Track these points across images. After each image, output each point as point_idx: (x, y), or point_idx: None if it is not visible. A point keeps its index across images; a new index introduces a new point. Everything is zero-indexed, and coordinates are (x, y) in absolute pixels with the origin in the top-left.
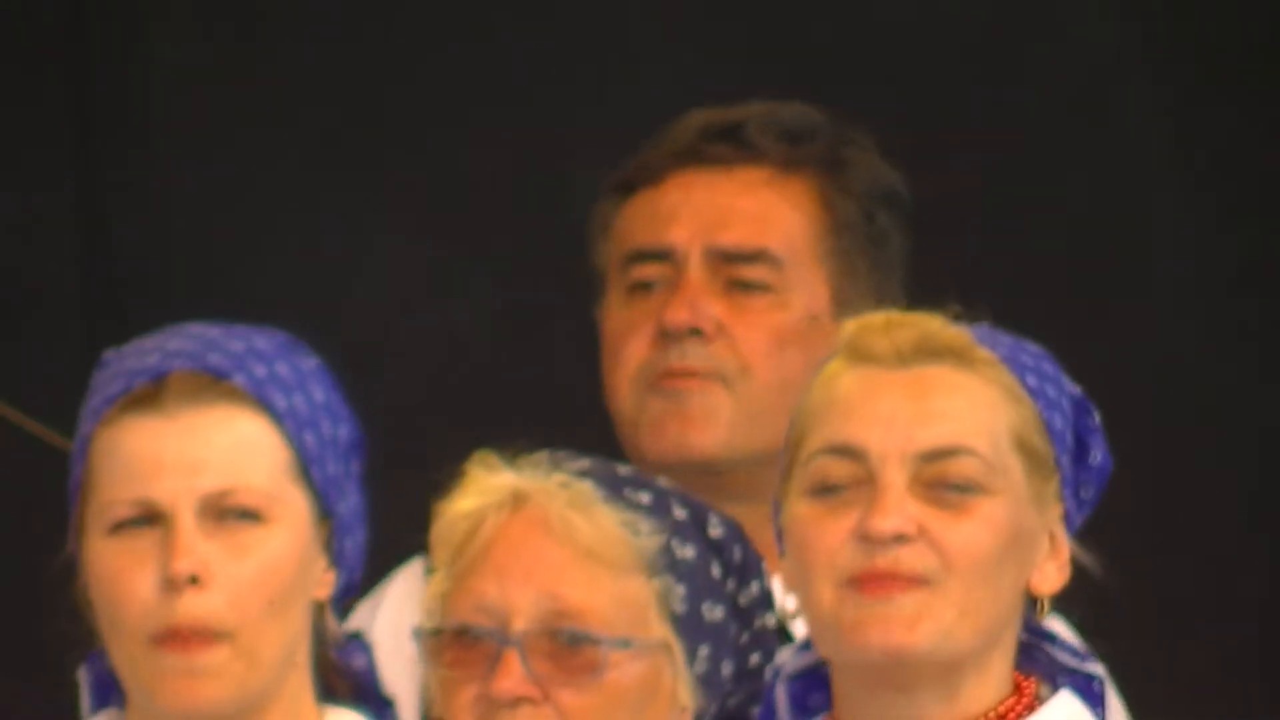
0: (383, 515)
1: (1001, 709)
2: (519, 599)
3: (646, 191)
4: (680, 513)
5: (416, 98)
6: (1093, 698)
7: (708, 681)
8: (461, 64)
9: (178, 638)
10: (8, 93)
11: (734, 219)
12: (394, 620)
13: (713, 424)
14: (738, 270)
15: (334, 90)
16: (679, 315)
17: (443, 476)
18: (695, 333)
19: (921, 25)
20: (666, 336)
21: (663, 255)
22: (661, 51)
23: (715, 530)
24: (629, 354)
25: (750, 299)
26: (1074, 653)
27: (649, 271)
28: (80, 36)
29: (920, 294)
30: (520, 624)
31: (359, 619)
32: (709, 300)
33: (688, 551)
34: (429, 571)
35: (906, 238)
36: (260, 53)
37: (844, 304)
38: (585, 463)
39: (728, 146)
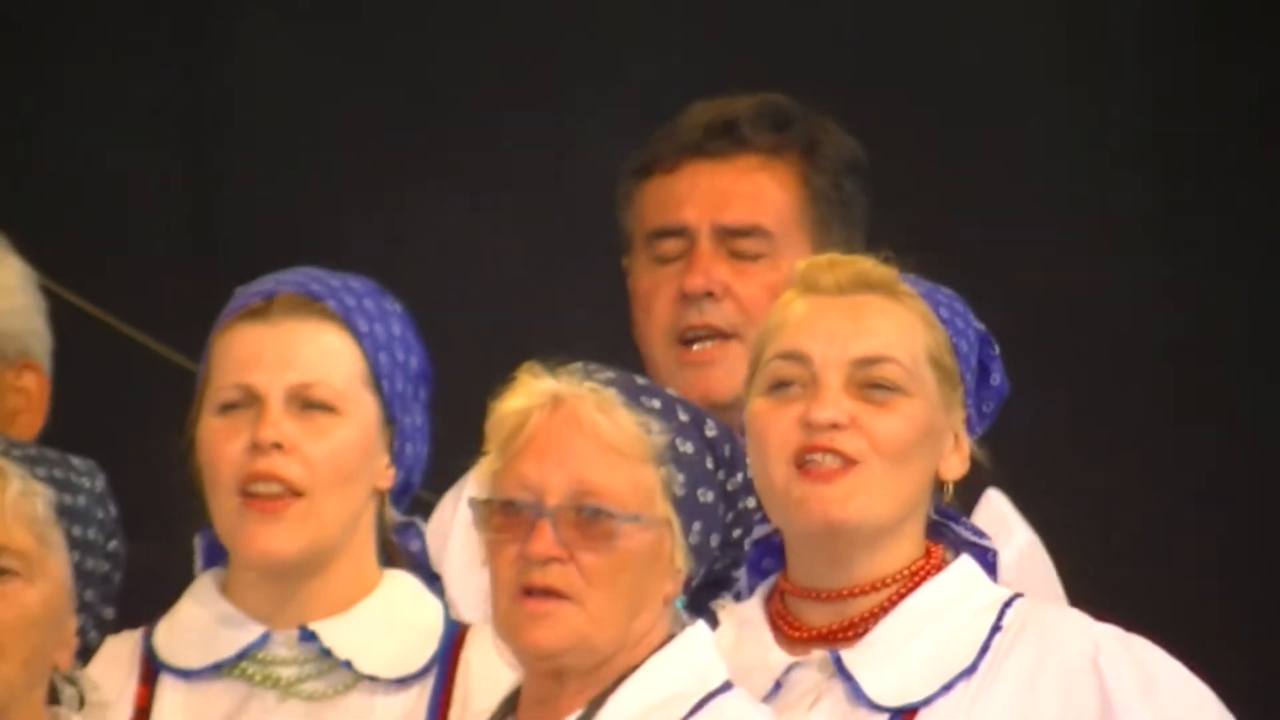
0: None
1: (914, 567)
2: (553, 480)
3: (663, 177)
4: (683, 416)
5: (466, 93)
6: (988, 567)
7: (699, 550)
8: (502, 61)
9: (260, 496)
10: (133, 82)
11: (734, 201)
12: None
13: (730, 377)
14: (738, 243)
15: (399, 85)
16: (696, 282)
17: (490, 395)
18: (709, 295)
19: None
20: (687, 299)
21: (679, 232)
22: (661, 55)
23: (710, 431)
24: (658, 312)
25: (749, 265)
26: (974, 531)
27: (668, 246)
28: (192, 35)
29: (870, 246)
30: (553, 500)
31: (445, 503)
32: (718, 268)
33: (688, 447)
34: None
35: (868, 196)
36: (336, 53)
37: None
38: (611, 374)
39: (726, 141)
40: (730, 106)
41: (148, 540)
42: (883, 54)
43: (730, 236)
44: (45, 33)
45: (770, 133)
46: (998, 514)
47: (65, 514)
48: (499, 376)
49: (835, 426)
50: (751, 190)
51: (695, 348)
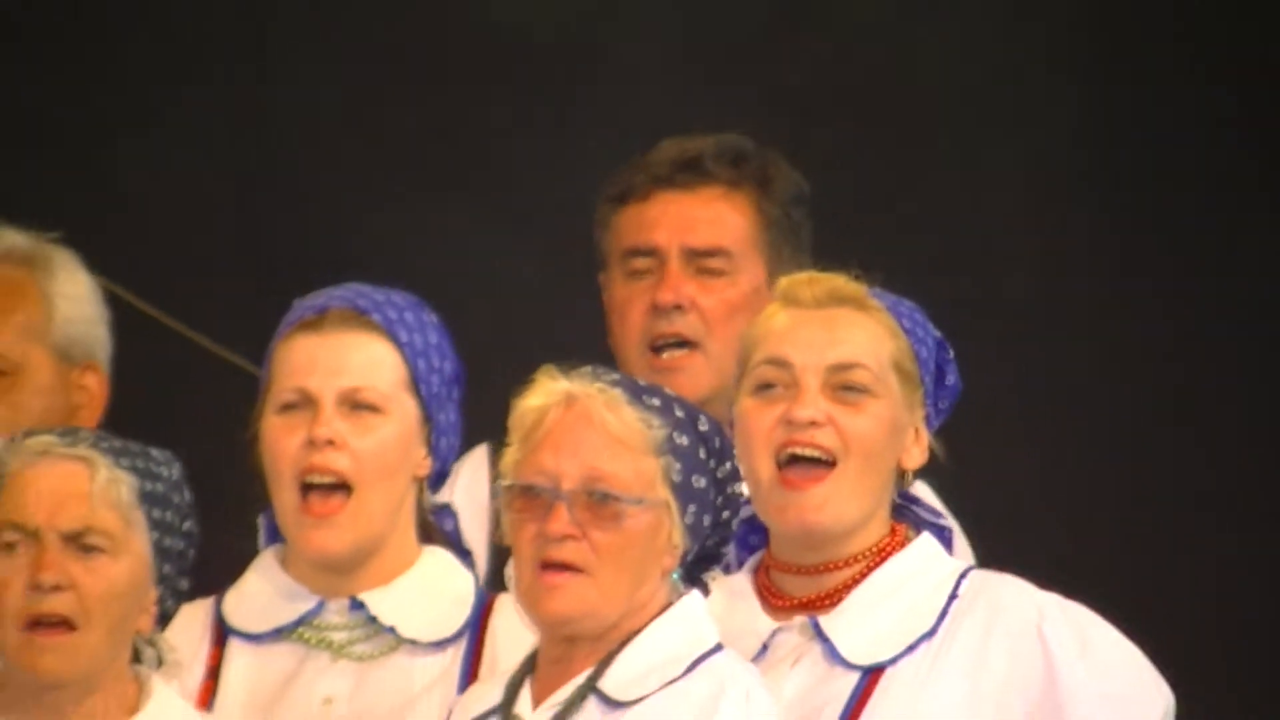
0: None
1: (882, 544)
2: (568, 468)
3: (637, 204)
4: (679, 412)
5: (488, 122)
6: (945, 543)
7: (693, 529)
8: (521, 92)
9: (315, 489)
10: (192, 112)
11: (699, 226)
12: (467, 483)
13: (694, 383)
14: (703, 262)
15: (424, 116)
16: (666, 296)
17: (507, 392)
18: (677, 307)
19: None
20: (658, 310)
21: (651, 252)
22: (661, 87)
23: (703, 425)
24: (632, 322)
25: (712, 281)
26: (932, 512)
27: (641, 264)
28: (242, 69)
29: (832, 262)
30: (568, 484)
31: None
32: (685, 284)
33: (684, 440)
34: (498, 448)
35: (812, 222)
36: (365, 89)
37: (775, 277)
38: (616, 376)
39: (692, 174)
40: (694, 144)
41: (221, 524)
42: (862, 84)
43: (696, 256)
44: (111, 64)
45: (729, 168)
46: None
47: (146, 498)
48: (516, 376)
49: (813, 424)
50: (714, 217)
51: (665, 355)
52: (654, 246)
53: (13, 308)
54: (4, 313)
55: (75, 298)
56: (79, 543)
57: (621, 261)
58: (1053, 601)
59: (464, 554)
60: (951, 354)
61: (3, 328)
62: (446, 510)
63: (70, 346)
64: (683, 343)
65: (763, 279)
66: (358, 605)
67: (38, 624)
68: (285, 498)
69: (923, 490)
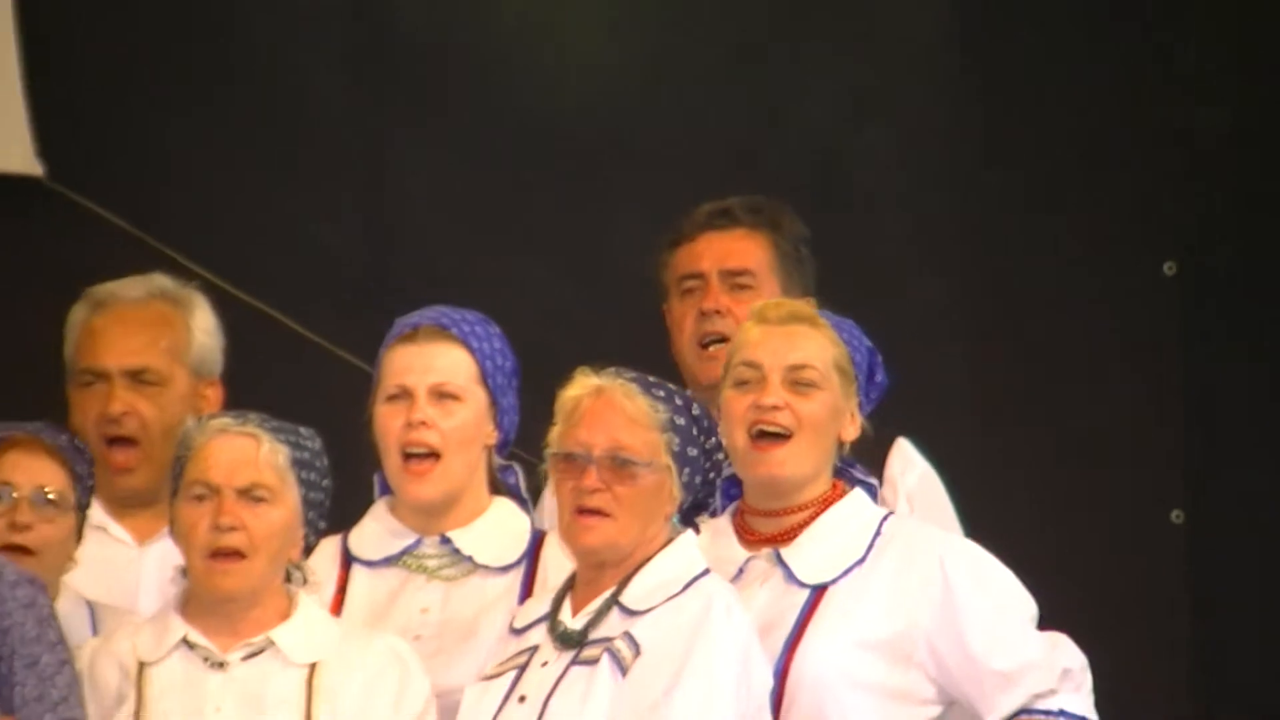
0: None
1: (825, 496)
2: (597, 440)
3: (686, 244)
4: (678, 400)
5: (543, 197)
6: (872, 495)
7: (688, 486)
8: (566, 180)
9: (413, 457)
10: (326, 165)
11: (731, 255)
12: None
13: None
14: (735, 280)
15: (499, 187)
16: (709, 304)
17: (554, 390)
18: (717, 313)
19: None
20: (703, 315)
21: (697, 275)
22: (669, 167)
23: (695, 410)
24: (686, 328)
25: (742, 294)
26: (864, 473)
27: (691, 284)
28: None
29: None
30: (597, 452)
31: (546, 493)
32: (722, 297)
33: (681, 420)
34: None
35: (814, 258)
36: (460, 166)
37: (788, 294)
38: (633, 374)
39: (725, 219)
40: (725, 201)
41: (359, 479)
42: (820, 170)
43: (730, 276)
44: (263, 125)
45: (751, 215)
46: (905, 453)
47: (297, 464)
48: (559, 375)
49: (775, 408)
50: (742, 248)
51: (711, 349)
52: (699, 271)
53: (163, 335)
54: (158, 339)
55: (207, 329)
56: (249, 495)
57: (677, 286)
58: (954, 539)
59: (523, 502)
60: (880, 359)
61: (157, 350)
62: (510, 470)
63: (200, 366)
64: (723, 339)
65: (779, 295)
66: (446, 540)
67: (218, 554)
68: (392, 462)
69: (904, 444)
